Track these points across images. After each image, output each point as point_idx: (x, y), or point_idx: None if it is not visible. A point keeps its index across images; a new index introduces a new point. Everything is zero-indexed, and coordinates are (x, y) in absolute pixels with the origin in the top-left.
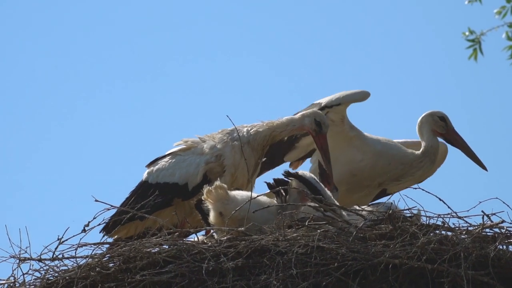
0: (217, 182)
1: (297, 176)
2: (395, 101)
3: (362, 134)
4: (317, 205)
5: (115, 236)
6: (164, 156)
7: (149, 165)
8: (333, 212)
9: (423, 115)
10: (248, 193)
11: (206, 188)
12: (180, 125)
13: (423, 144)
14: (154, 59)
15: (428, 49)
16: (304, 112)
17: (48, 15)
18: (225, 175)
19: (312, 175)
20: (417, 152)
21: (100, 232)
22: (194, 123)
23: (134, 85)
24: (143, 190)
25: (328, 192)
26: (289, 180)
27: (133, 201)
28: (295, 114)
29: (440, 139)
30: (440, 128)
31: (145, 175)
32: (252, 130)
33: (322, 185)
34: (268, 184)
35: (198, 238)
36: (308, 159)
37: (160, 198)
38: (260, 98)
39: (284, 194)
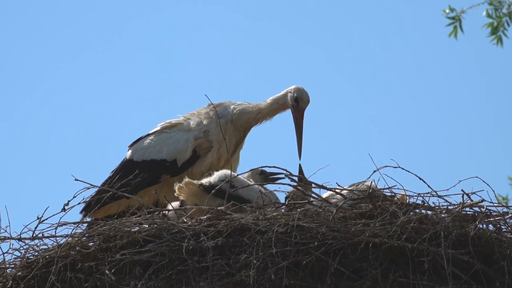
0: (186, 179)
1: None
2: (373, 78)
3: None
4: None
5: (94, 217)
6: (149, 135)
7: (132, 144)
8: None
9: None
10: (223, 172)
11: (177, 185)
12: (162, 105)
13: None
14: (135, 39)
15: (408, 26)
16: (288, 88)
17: None
18: (212, 151)
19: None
20: None
21: (80, 213)
22: (178, 104)
23: (116, 65)
24: (127, 168)
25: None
26: None
27: (117, 180)
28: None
29: None
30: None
31: (129, 153)
32: (237, 110)
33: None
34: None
35: (172, 206)
36: None
37: (147, 175)
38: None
39: None
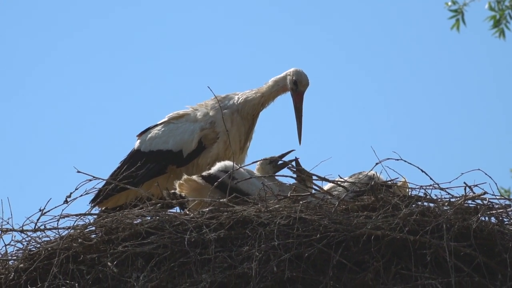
0: (184, 176)
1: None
2: (375, 71)
3: None
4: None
5: (104, 207)
6: (157, 125)
7: (140, 134)
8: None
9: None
10: (223, 163)
11: (177, 183)
12: (170, 96)
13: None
14: (142, 27)
15: (411, 18)
16: (288, 70)
17: None
18: (218, 142)
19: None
20: None
21: (89, 204)
22: (186, 95)
23: (123, 54)
24: (135, 159)
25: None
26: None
27: (124, 170)
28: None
29: None
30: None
31: (137, 144)
32: (241, 99)
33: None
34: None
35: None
36: None
37: (154, 165)
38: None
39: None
